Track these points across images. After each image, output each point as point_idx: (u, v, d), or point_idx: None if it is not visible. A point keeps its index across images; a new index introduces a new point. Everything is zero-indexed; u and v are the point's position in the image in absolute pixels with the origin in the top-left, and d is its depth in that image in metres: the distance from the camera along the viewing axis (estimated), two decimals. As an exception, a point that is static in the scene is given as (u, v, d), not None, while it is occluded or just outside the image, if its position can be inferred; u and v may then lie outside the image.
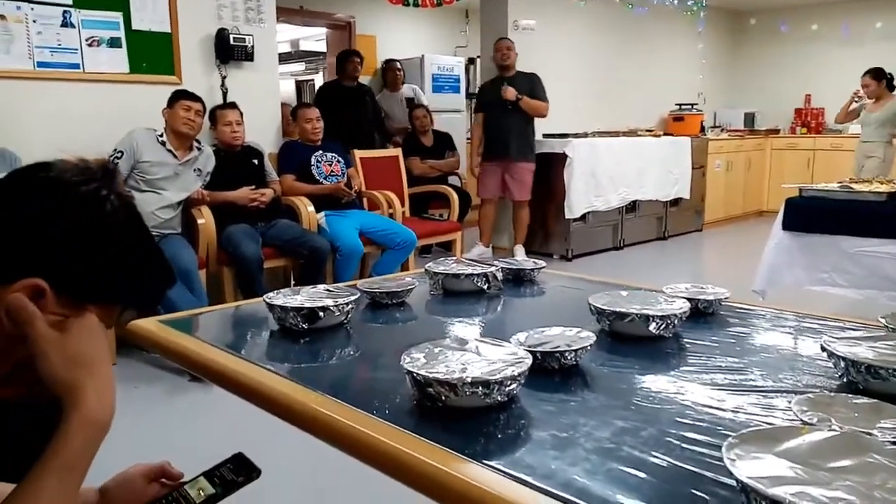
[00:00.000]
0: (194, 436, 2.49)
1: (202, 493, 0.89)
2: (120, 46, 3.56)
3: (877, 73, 5.53)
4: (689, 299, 1.34)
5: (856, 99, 5.78)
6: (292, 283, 4.00)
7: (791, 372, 1.09)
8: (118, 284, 0.79)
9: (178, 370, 3.03)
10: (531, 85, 5.19)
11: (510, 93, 5.10)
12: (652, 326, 1.22)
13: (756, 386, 1.04)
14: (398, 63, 6.24)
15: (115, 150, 3.32)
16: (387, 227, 4.07)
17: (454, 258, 1.72)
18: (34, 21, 3.29)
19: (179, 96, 3.43)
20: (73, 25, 3.41)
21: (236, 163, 3.72)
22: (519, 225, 5.48)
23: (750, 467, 0.71)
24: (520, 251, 5.43)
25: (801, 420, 0.86)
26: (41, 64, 3.34)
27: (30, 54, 3.30)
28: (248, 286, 3.40)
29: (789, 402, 0.94)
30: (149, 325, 1.30)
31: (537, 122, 5.51)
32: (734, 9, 8.53)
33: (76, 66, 3.45)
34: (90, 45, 3.47)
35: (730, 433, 0.85)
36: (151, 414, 2.66)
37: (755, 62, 8.63)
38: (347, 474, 2.02)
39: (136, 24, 3.59)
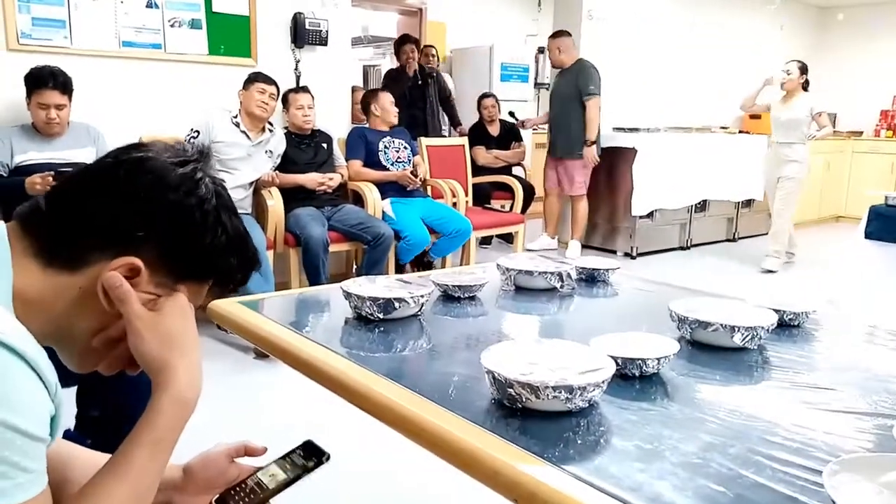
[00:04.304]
0: (261, 411, 2.56)
1: (275, 479, 0.90)
2: (200, 28, 3.65)
3: (803, 66, 4.94)
4: (774, 310, 1.29)
5: (770, 82, 5.11)
6: (354, 267, 4.05)
7: (887, 394, 1.03)
8: (210, 265, 0.80)
9: (244, 347, 3.11)
10: (578, 79, 5.05)
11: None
12: (736, 337, 1.17)
13: (849, 407, 0.99)
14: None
15: (192, 129, 3.41)
16: (444, 214, 4.07)
17: (527, 254, 1.70)
18: (122, 2, 3.40)
19: (255, 79, 3.49)
20: (156, 6, 3.51)
21: (306, 146, 3.78)
22: (574, 219, 5.34)
23: (854, 497, 0.67)
24: (574, 247, 5.28)
25: (905, 449, 0.81)
26: (126, 43, 3.45)
27: (116, 34, 3.42)
28: (312, 269, 3.45)
29: (889, 427, 0.90)
30: (228, 306, 1.33)
31: (606, 113, 5.38)
32: (821, 3, 8.15)
33: (158, 45, 3.55)
34: (172, 26, 3.57)
35: (824, 456, 0.81)
36: (219, 389, 2.73)
37: (840, 60, 8.23)
38: (405, 456, 2.04)
39: (217, 7, 3.67)
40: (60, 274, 0.72)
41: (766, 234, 6.68)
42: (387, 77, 5.67)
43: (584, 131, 5.04)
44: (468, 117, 5.88)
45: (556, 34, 5.18)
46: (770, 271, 5.09)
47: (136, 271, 0.74)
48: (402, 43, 5.47)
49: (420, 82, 5.44)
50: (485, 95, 5.60)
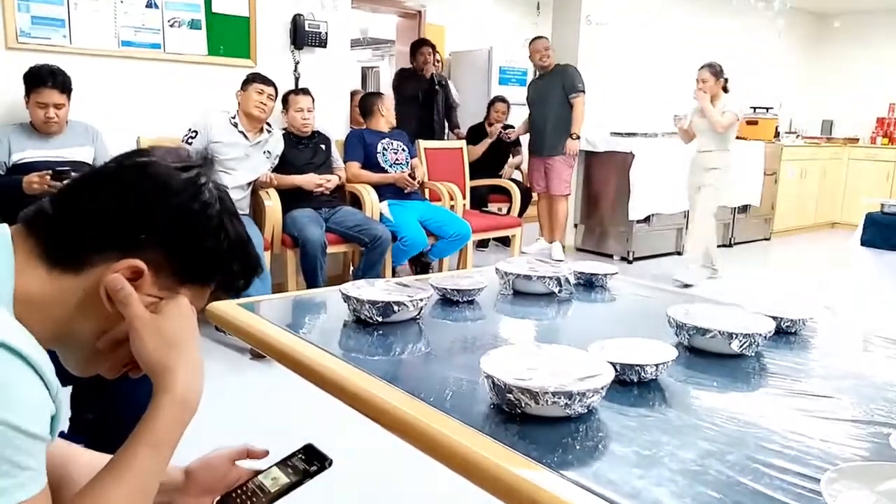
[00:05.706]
0: (256, 412, 2.55)
1: (276, 483, 0.90)
2: (199, 28, 3.65)
3: (716, 70, 4.63)
4: (772, 317, 1.29)
5: (679, 118, 4.84)
6: (351, 269, 4.05)
7: (885, 402, 1.04)
8: (213, 269, 0.81)
9: (240, 347, 3.10)
10: (562, 80, 5.08)
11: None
12: (734, 344, 1.17)
13: (846, 415, 0.99)
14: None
15: (190, 129, 3.40)
16: (443, 218, 4.08)
17: (524, 257, 1.70)
18: (121, 2, 3.39)
19: (253, 79, 3.49)
20: (156, 6, 3.51)
21: (305, 148, 3.78)
22: (555, 220, 5.31)
23: (852, 506, 0.67)
24: (556, 249, 5.26)
25: (903, 457, 0.81)
26: (125, 43, 3.45)
27: (115, 33, 3.41)
28: (310, 270, 3.44)
29: (886, 435, 0.90)
30: (226, 307, 1.33)
31: (604, 118, 5.38)
32: (818, 11, 8.18)
33: (157, 45, 3.55)
34: (171, 26, 3.57)
35: (821, 464, 0.82)
36: (214, 389, 2.72)
37: (837, 67, 8.27)
38: (402, 460, 2.04)
39: (217, 8, 3.67)
40: (64, 276, 0.73)
41: (764, 238, 6.73)
42: (400, 75, 5.63)
43: (571, 126, 5.04)
44: (466, 121, 5.89)
45: (538, 38, 5.23)
46: (688, 285, 4.56)
47: (138, 273, 0.74)
48: (420, 45, 5.46)
49: (436, 86, 5.45)
50: (499, 99, 5.61)
